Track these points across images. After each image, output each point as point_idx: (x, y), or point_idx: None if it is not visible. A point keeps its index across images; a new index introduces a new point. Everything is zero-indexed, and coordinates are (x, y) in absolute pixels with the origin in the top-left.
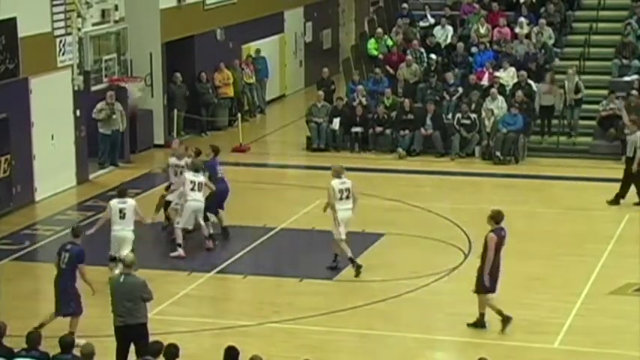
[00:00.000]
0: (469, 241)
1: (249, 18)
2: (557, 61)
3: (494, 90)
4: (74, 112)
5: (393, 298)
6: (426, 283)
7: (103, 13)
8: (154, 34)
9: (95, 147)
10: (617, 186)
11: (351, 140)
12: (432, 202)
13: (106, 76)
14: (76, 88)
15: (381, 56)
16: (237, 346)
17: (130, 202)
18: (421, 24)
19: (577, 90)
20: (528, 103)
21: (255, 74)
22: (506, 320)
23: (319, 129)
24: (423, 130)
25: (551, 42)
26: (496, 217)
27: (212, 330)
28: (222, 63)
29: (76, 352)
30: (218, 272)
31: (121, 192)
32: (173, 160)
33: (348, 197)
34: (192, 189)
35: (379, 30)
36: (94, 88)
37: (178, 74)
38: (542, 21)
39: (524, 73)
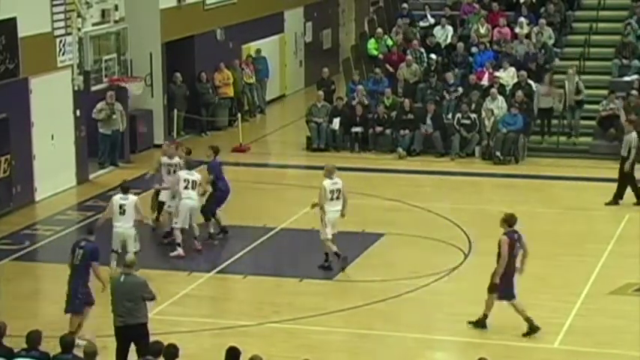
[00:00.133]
0: (469, 241)
1: (249, 18)
2: (557, 61)
3: (494, 90)
4: (74, 112)
5: (393, 298)
6: (426, 283)
7: (103, 13)
8: (153, 34)
9: (95, 147)
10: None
11: (351, 140)
12: (432, 202)
13: (106, 76)
14: (76, 88)
15: (381, 56)
16: (238, 346)
17: (131, 199)
18: (421, 24)
19: (578, 91)
20: (528, 103)
21: (255, 74)
22: (533, 329)
23: (319, 129)
24: (422, 127)
25: (551, 42)
26: (508, 220)
27: (212, 330)
28: (222, 63)
29: (76, 351)
30: (218, 272)
31: (124, 188)
32: (165, 160)
33: (338, 198)
34: (186, 187)
35: (379, 30)
36: (94, 88)
37: (178, 74)
38: (542, 21)
39: (524, 73)
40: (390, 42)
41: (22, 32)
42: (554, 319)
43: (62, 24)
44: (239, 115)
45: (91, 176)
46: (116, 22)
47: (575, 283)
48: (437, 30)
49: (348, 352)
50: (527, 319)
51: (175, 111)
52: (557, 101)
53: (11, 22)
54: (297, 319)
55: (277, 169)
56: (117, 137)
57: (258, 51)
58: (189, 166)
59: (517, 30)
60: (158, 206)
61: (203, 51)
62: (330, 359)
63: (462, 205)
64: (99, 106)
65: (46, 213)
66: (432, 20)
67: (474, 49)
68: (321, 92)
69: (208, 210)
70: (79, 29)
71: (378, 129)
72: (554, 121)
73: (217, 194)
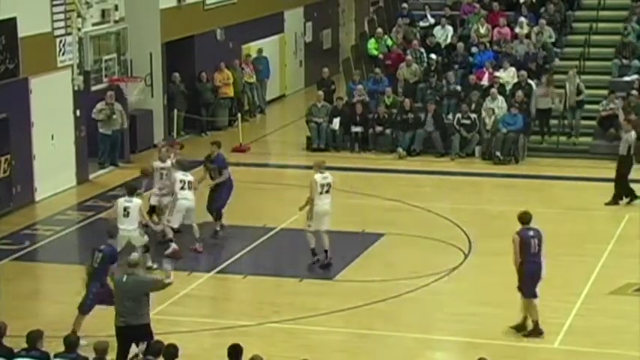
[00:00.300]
0: (469, 241)
1: (249, 18)
2: (557, 61)
3: (494, 90)
4: (74, 112)
5: (393, 298)
6: (426, 283)
7: (103, 13)
8: (154, 34)
9: (95, 147)
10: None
11: (351, 140)
12: (432, 202)
13: (106, 76)
14: (76, 88)
15: (381, 56)
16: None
17: (136, 202)
18: (421, 24)
19: (578, 92)
20: (528, 103)
21: (255, 74)
22: (537, 330)
23: (319, 129)
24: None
25: (551, 42)
26: (522, 218)
27: (212, 330)
28: (223, 63)
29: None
30: (218, 272)
31: (130, 189)
32: (157, 164)
33: (327, 192)
34: (182, 188)
35: (379, 30)
36: (94, 88)
37: (177, 74)
38: (542, 21)
39: (524, 73)
40: (389, 42)
41: (22, 32)
42: (554, 319)
43: (62, 24)
44: (239, 115)
45: (91, 176)
46: (116, 22)
47: (575, 283)
48: (437, 30)
49: (348, 352)
50: (535, 322)
51: (175, 111)
52: (557, 101)
53: (11, 22)
54: (297, 319)
55: (277, 169)
56: (117, 137)
57: (260, 51)
58: (183, 167)
59: (517, 30)
60: (150, 210)
61: (203, 51)
62: (330, 359)
63: (462, 205)
64: (99, 106)
65: (46, 213)
66: (432, 20)
67: (474, 49)
68: (321, 92)
69: (219, 207)
70: (79, 29)
71: (378, 129)
72: (554, 122)
73: (227, 186)
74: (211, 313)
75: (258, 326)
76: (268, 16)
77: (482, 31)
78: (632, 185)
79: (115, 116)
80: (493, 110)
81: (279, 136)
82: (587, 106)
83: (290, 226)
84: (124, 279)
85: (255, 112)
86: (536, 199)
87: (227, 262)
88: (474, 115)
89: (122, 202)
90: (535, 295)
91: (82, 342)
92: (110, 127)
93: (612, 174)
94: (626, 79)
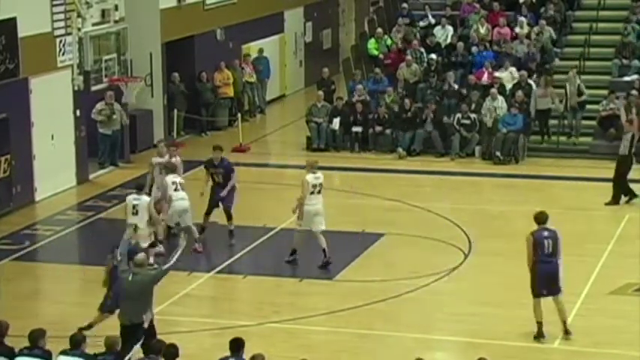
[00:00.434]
0: (469, 241)
1: (249, 18)
2: (557, 61)
3: (494, 90)
4: (74, 112)
5: (393, 298)
6: (426, 283)
7: (103, 13)
8: (154, 34)
9: (95, 147)
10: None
11: (351, 140)
12: (432, 202)
13: (106, 76)
14: (76, 88)
15: (381, 56)
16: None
17: (144, 199)
18: (421, 24)
19: (580, 93)
20: (528, 103)
21: (256, 74)
22: (539, 333)
23: (319, 129)
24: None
25: (551, 42)
26: (538, 218)
27: (212, 330)
28: (223, 63)
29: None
30: (218, 272)
31: (138, 186)
32: (156, 159)
33: (319, 192)
34: (176, 189)
35: (379, 30)
36: (94, 88)
37: (176, 74)
38: (542, 21)
39: (524, 73)
40: (389, 42)
41: (22, 32)
42: (555, 319)
43: (62, 24)
44: (239, 115)
45: (91, 176)
46: (116, 22)
47: (575, 283)
48: (437, 30)
49: (348, 352)
50: (539, 323)
51: (175, 111)
52: (557, 101)
53: (11, 22)
54: (297, 319)
55: (277, 169)
56: (117, 137)
57: (261, 51)
58: (173, 169)
59: (517, 30)
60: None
61: (203, 51)
62: (330, 359)
63: (462, 205)
64: (98, 106)
65: (46, 213)
66: (432, 20)
67: (474, 49)
68: (321, 92)
69: (229, 207)
70: (79, 29)
71: (378, 129)
72: (555, 122)
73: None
74: (211, 313)
75: (258, 326)
76: (268, 16)
77: (482, 31)
78: (632, 185)
79: (115, 116)
80: (495, 109)
81: (279, 136)
82: (587, 106)
83: (290, 226)
84: (130, 278)
85: (255, 112)
86: (536, 199)
87: (227, 262)
88: (473, 115)
89: (130, 200)
90: (542, 295)
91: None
92: (110, 127)
93: (612, 174)
94: (626, 79)
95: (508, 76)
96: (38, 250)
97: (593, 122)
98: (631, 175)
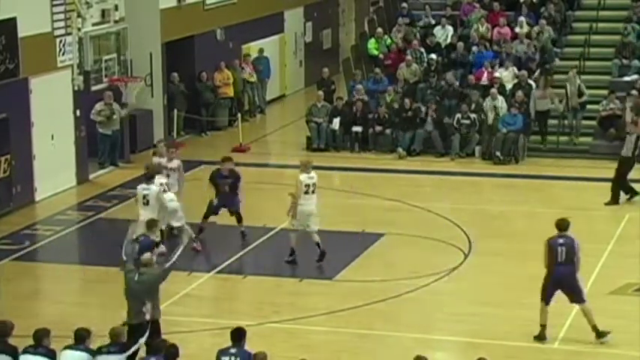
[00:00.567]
0: (469, 241)
1: (249, 18)
2: (557, 61)
3: (494, 90)
4: (74, 112)
5: (393, 298)
6: (426, 283)
7: (103, 13)
8: (154, 34)
9: (95, 147)
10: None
11: (351, 140)
12: (432, 202)
13: (106, 76)
14: (76, 88)
15: (381, 56)
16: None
17: (153, 189)
18: (421, 24)
19: (580, 93)
20: (528, 103)
21: (256, 74)
22: (540, 335)
23: (319, 129)
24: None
25: (551, 42)
26: (558, 225)
27: (212, 330)
28: (223, 63)
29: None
30: (218, 272)
31: (149, 176)
32: (155, 160)
33: (313, 192)
34: (164, 191)
35: (379, 30)
36: (94, 88)
37: (175, 74)
38: (543, 21)
39: (524, 72)
40: (389, 42)
41: (22, 32)
42: (555, 319)
43: (62, 24)
44: (239, 115)
45: (91, 176)
46: (116, 22)
47: None
48: (437, 30)
49: (348, 352)
50: (542, 326)
51: (175, 111)
52: (556, 101)
53: (11, 22)
54: (297, 319)
55: (277, 169)
56: (117, 137)
57: (261, 51)
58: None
59: (517, 30)
60: None
61: (203, 51)
62: (330, 359)
63: (462, 205)
64: (97, 107)
65: (46, 213)
66: (432, 21)
67: (474, 49)
68: (321, 92)
69: (238, 210)
70: (79, 29)
71: (378, 129)
72: (554, 122)
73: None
74: (211, 313)
75: (258, 326)
76: (268, 16)
77: (483, 30)
78: (632, 185)
79: (114, 116)
80: (495, 107)
81: (279, 136)
82: (587, 106)
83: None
84: (137, 278)
85: (255, 112)
86: (536, 199)
87: (227, 262)
88: (473, 115)
89: (140, 190)
90: (548, 300)
91: None
92: (110, 127)
93: (612, 174)
94: (626, 79)
95: (509, 75)
96: (38, 250)
97: (593, 122)
98: (631, 175)
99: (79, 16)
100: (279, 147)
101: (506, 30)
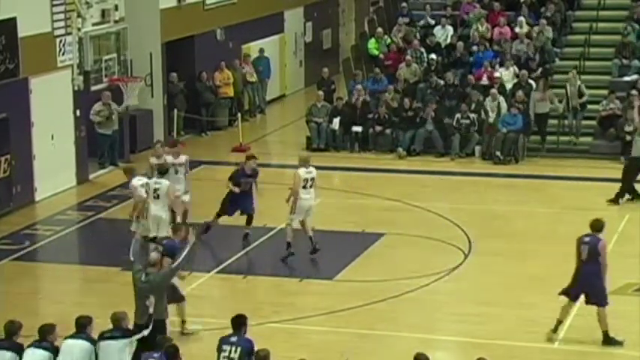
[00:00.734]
0: (469, 241)
1: (249, 18)
2: (557, 61)
3: (494, 90)
4: (74, 112)
5: (393, 298)
6: (426, 283)
7: (103, 13)
8: (153, 34)
9: (95, 147)
10: (617, 186)
11: (351, 140)
12: (432, 202)
13: (106, 76)
14: (76, 88)
15: (381, 56)
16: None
17: (164, 183)
18: (421, 23)
19: (580, 94)
20: (528, 103)
21: (256, 74)
22: (554, 330)
23: (319, 129)
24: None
25: (551, 42)
26: (592, 225)
27: (212, 330)
28: (223, 63)
29: None
30: (218, 272)
31: (161, 171)
32: (153, 160)
33: (311, 186)
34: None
35: (379, 30)
36: (94, 88)
37: (174, 74)
38: (543, 21)
39: (524, 72)
40: (389, 41)
41: (22, 32)
42: (554, 319)
43: (62, 24)
44: (239, 115)
45: (91, 176)
46: (116, 22)
47: None
48: (437, 30)
49: (348, 352)
50: (559, 321)
51: (175, 111)
52: (556, 102)
53: (11, 22)
54: (297, 319)
55: (277, 169)
56: (116, 137)
57: (262, 51)
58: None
59: (517, 30)
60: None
61: (203, 51)
62: (330, 359)
63: (462, 205)
64: (96, 107)
65: (46, 213)
66: (432, 21)
67: (474, 49)
68: (321, 92)
69: (250, 212)
70: (79, 29)
71: (378, 129)
72: (554, 122)
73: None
74: (211, 313)
75: (258, 326)
76: (268, 16)
77: (483, 30)
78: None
79: (114, 116)
80: (497, 106)
81: (279, 136)
82: (587, 106)
83: None
84: (144, 278)
85: (255, 112)
86: (536, 199)
87: (227, 262)
88: (473, 115)
89: (152, 183)
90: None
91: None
92: (109, 127)
93: (612, 174)
94: (626, 79)
95: (509, 74)
96: (38, 250)
97: (593, 122)
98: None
99: (79, 16)
100: (279, 147)
101: (507, 30)
